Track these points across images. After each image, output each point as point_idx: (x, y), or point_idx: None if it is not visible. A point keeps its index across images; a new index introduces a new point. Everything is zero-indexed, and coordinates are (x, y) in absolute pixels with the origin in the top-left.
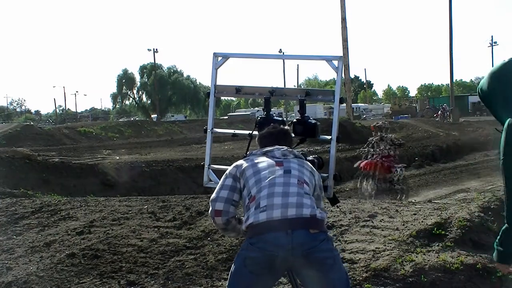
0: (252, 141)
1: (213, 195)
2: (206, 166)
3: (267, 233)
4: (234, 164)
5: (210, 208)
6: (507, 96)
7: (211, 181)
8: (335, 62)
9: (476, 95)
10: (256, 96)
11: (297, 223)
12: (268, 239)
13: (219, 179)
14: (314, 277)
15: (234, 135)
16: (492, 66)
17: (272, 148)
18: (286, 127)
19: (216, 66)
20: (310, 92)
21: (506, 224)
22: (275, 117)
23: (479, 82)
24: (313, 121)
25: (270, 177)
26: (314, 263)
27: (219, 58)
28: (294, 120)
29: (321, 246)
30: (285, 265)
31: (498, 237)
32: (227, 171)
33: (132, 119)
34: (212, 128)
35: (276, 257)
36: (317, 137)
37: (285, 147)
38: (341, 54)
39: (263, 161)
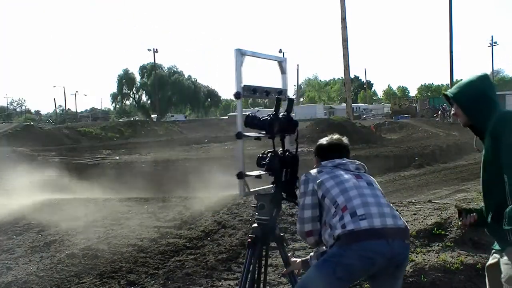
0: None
1: (299, 216)
2: (243, 174)
3: (369, 241)
4: (307, 178)
5: (299, 229)
6: (481, 107)
7: (248, 190)
8: (283, 64)
9: None
10: (258, 96)
11: (396, 233)
12: (370, 247)
13: (249, 186)
14: (389, 283)
15: (257, 138)
16: (492, 66)
17: (345, 161)
18: (347, 141)
19: (241, 64)
20: (282, 92)
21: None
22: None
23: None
24: (296, 120)
25: (357, 188)
26: (399, 273)
27: (242, 56)
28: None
29: (408, 257)
30: (373, 272)
31: (507, 219)
32: (305, 188)
33: (132, 119)
34: (243, 133)
35: (373, 265)
36: (298, 134)
37: (357, 161)
38: (341, 55)
39: (342, 174)
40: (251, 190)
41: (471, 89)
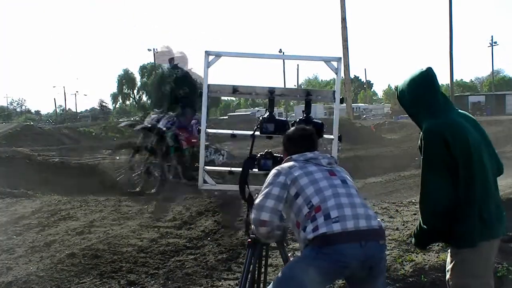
0: (252, 141)
1: (259, 203)
2: (201, 167)
3: (342, 244)
4: (278, 171)
5: (254, 216)
6: (424, 102)
7: (206, 183)
8: (334, 63)
9: (477, 94)
10: (253, 96)
11: (369, 234)
12: (342, 250)
13: (214, 181)
14: (367, 283)
15: (233, 135)
16: (492, 66)
17: (316, 155)
18: (313, 129)
19: (208, 65)
20: (311, 92)
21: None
22: (278, 118)
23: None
24: (320, 121)
25: (332, 187)
26: (374, 272)
27: (211, 57)
28: (298, 120)
29: (385, 257)
30: (347, 274)
31: (413, 238)
32: (273, 179)
33: (132, 119)
34: (205, 129)
35: (346, 268)
36: (322, 137)
37: (328, 155)
38: (341, 55)
39: (315, 170)
40: (219, 185)
41: (411, 89)
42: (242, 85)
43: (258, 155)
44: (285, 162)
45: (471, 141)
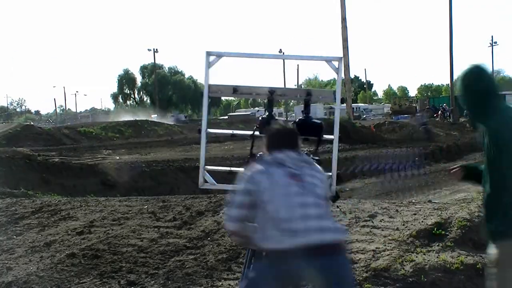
0: (254, 141)
1: (229, 213)
2: (201, 167)
3: (290, 260)
4: (249, 177)
5: (226, 224)
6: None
7: (207, 182)
8: (335, 63)
9: None
10: (254, 96)
11: (320, 250)
12: (291, 265)
13: (215, 180)
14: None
15: (233, 135)
16: (492, 66)
17: (284, 157)
18: (293, 128)
19: (209, 65)
20: (312, 93)
21: None
22: (277, 118)
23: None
24: (318, 121)
25: (288, 197)
26: (331, 284)
27: (212, 57)
28: (297, 120)
29: (342, 271)
30: (302, 282)
31: None
32: (244, 186)
33: (132, 119)
34: (206, 129)
35: (298, 279)
36: (321, 137)
37: (296, 156)
38: (341, 55)
39: (279, 175)
40: (219, 185)
41: (485, 83)
42: (242, 85)
43: (258, 154)
44: (256, 162)
45: None
